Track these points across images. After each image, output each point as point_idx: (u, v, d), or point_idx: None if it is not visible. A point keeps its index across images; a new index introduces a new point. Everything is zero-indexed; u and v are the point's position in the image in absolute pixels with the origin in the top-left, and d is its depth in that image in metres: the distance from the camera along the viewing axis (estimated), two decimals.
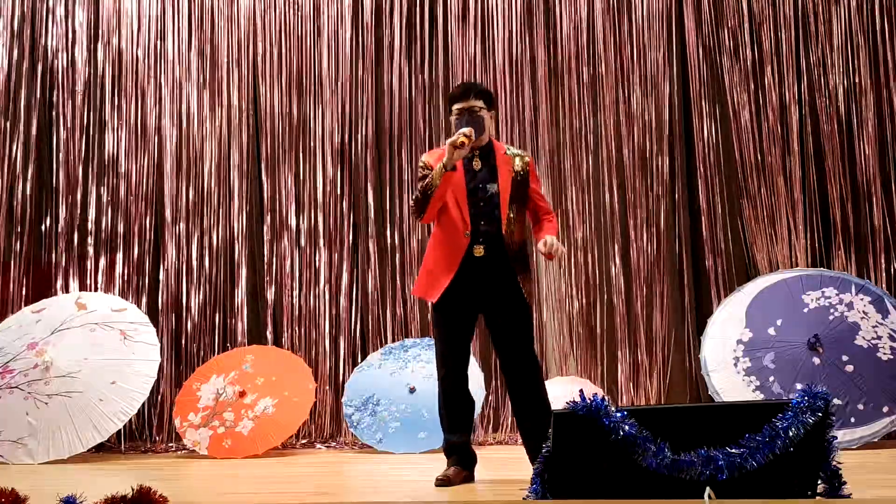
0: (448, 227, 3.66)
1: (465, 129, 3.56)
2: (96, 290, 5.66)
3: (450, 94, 3.88)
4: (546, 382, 3.91)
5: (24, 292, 5.68)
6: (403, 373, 5.17)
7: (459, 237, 3.63)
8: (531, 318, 3.73)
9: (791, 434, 2.48)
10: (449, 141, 3.56)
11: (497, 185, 3.66)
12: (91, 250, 5.76)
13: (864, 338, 4.71)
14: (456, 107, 3.72)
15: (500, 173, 3.68)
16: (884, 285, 5.29)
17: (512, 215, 3.65)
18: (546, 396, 3.68)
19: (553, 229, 3.71)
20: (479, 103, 3.70)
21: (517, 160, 3.73)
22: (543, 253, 3.57)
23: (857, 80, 5.49)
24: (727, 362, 4.81)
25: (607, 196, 5.61)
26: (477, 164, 3.70)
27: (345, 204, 5.75)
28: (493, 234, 3.63)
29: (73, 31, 5.92)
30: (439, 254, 3.68)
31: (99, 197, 5.80)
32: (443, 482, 3.55)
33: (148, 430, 5.51)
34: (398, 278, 5.66)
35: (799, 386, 4.29)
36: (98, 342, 5.06)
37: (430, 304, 3.79)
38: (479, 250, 3.61)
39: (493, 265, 3.62)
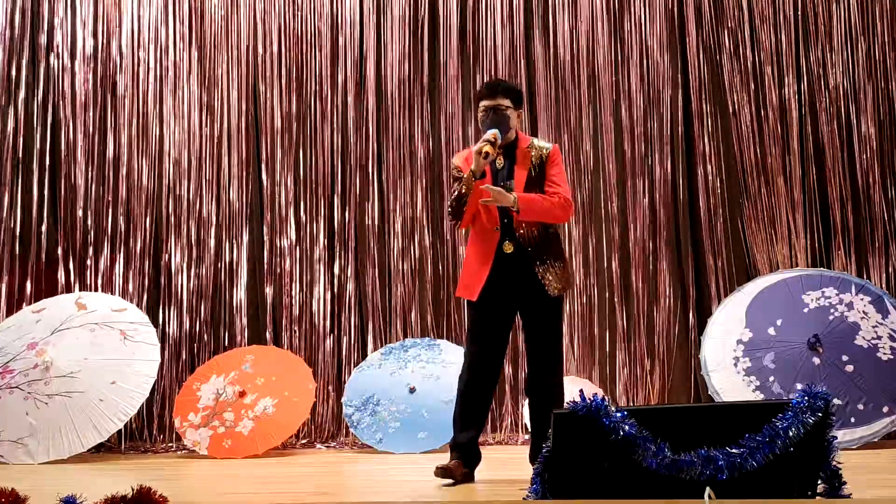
0: (480, 226, 3.71)
1: (489, 136, 3.58)
2: (96, 290, 5.66)
3: (477, 91, 3.91)
4: None
5: (24, 292, 5.68)
6: (403, 373, 5.17)
7: (490, 235, 3.67)
8: (555, 311, 3.69)
9: (791, 434, 2.48)
10: (474, 149, 3.60)
11: (514, 182, 3.68)
12: (91, 250, 5.76)
13: (864, 338, 4.71)
14: (482, 104, 3.75)
15: (517, 169, 3.70)
16: (884, 285, 5.29)
17: None
18: (558, 393, 3.66)
19: (539, 197, 3.61)
20: (506, 101, 3.72)
21: (535, 152, 3.72)
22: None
23: (857, 80, 5.49)
24: (727, 362, 4.81)
25: (607, 196, 5.61)
26: (500, 162, 3.73)
27: (345, 203, 5.75)
28: (516, 229, 3.65)
29: (74, 31, 5.91)
30: (475, 253, 3.72)
31: (99, 196, 5.80)
32: (442, 471, 3.53)
33: (148, 430, 5.51)
34: (399, 278, 5.65)
35: (799, 386, 4.29)
36: (98, 342, 5.06)
37: (467, 303, 3.79)
38: (508, 247, 3.65)
39: (521, 260, 3.65)
